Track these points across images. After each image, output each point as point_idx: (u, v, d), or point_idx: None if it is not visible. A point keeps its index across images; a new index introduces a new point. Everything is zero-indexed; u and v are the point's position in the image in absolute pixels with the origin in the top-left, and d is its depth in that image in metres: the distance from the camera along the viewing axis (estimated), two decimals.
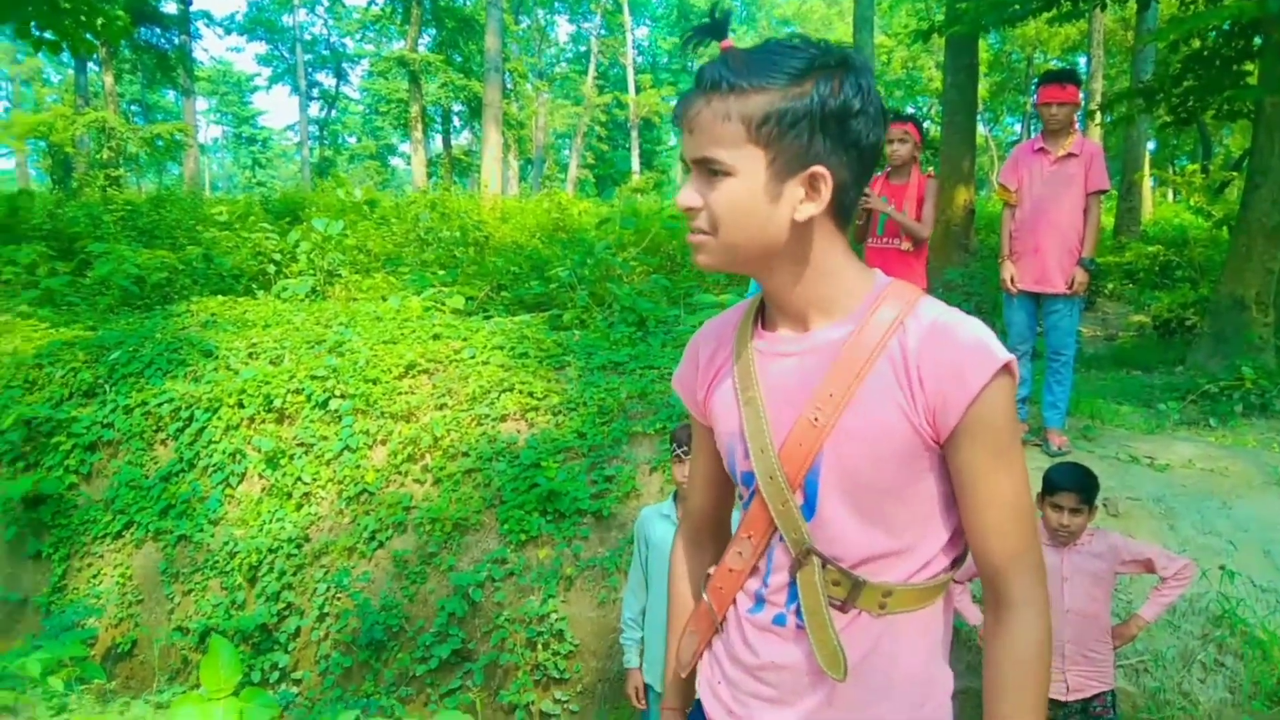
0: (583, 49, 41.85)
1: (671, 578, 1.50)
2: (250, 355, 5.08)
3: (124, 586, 4.51)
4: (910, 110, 12.98)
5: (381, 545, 4.18)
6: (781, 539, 1.23)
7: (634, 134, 36.37)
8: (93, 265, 7.13)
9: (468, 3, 29.88)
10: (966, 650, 3.31)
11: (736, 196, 1.13)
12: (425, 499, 4.25)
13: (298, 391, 4.74)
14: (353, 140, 46.07)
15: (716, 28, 1.19)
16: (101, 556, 4.59)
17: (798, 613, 1.22)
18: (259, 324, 5.56)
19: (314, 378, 4.77)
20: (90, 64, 28.06)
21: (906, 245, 4.34)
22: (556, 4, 40.70)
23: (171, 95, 40.50)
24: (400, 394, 4.71)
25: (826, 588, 1.20)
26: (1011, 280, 4.41)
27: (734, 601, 1.32)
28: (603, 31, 38.44)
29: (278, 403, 4.69)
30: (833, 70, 1.11)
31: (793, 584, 1.23)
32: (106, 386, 5.00)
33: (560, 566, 3.88)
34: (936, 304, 1.19)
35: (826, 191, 1.13)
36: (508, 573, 3.90)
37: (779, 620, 1.25)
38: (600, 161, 37.44)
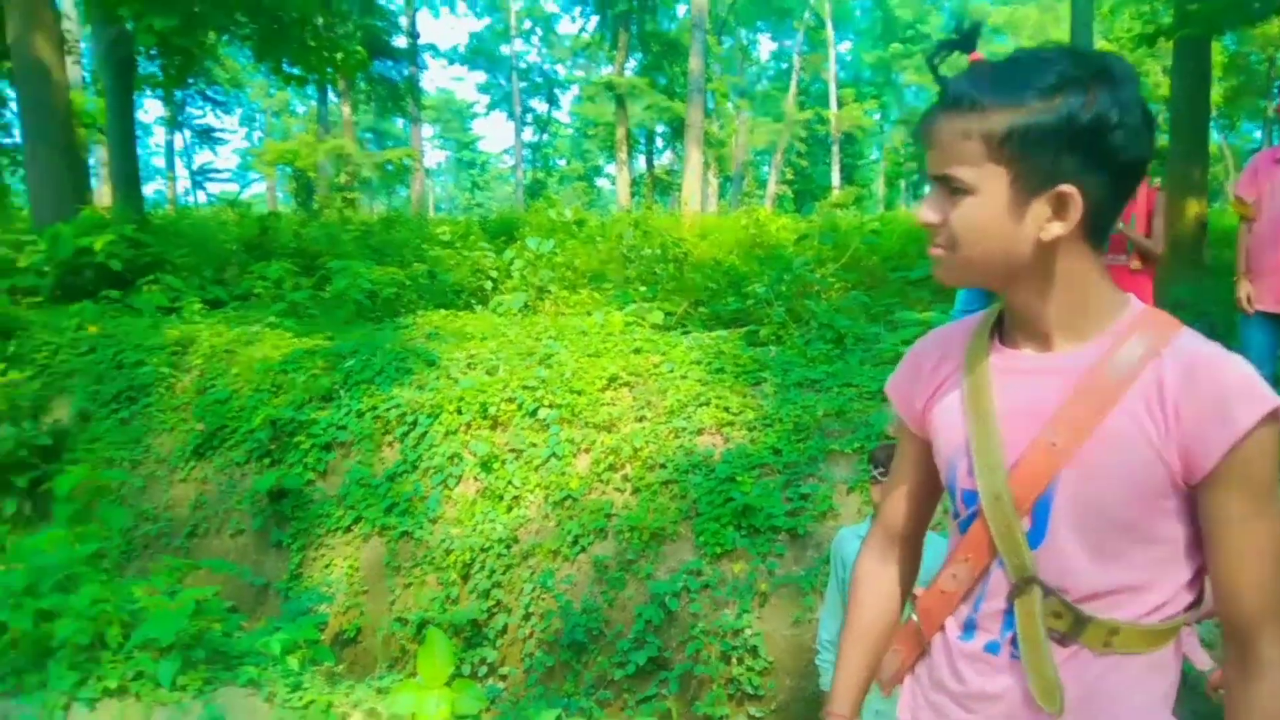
0: (784, 66, 41.73)
1: (854, 586, 1.46)
2: (469, 365, 5.42)
3: (352, 577, 4.91)
4: None
5: (584, 550, 4.35)
6: (1001, 564, 1.19)
7: (835, 149, 35.87)
8: (331, 280, 7.81)
9: (673, 26, 30.53)
10: (1192, 696, 3.07)
11: (976, 215, 1.11)
12: (625, 507, 4.39)
13: (510, 400, 5.01)
14: (562, 162, 48.00)
15: (965, 40, 1.18)
16: (333, 548, 5.03)
17: (1013, 642, 1.18)
18: (477, 336, 5.92)
19: (525, 388, 5.03)
20: (330, 96, 30.74)
21: (1135, 264, 4.10)
22: (759, 23, 40.85)
23: (401, 123, 43.70)
24: (603, 405, 4.89)
25: (1046, 619, 1.16)
26: (1248, 299, 4.06)
27: (942, 626, 1.28)
28: (805, 48, 38.19)
29: (492, 410, 4.98)
30: (1087, 83, 1.06)
31: (1009, 612, 1.19)
32: (341, 392, 5.47)
33: (755, 581, 3.90)
34: (1197, 337, 1.13)
35: (1075, 211, 1.08)
36: (703, 584, 3.97)
37: (991, 648, 1.21)
38: (800, 177, 37.17)
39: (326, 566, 5.03)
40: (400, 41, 32.41)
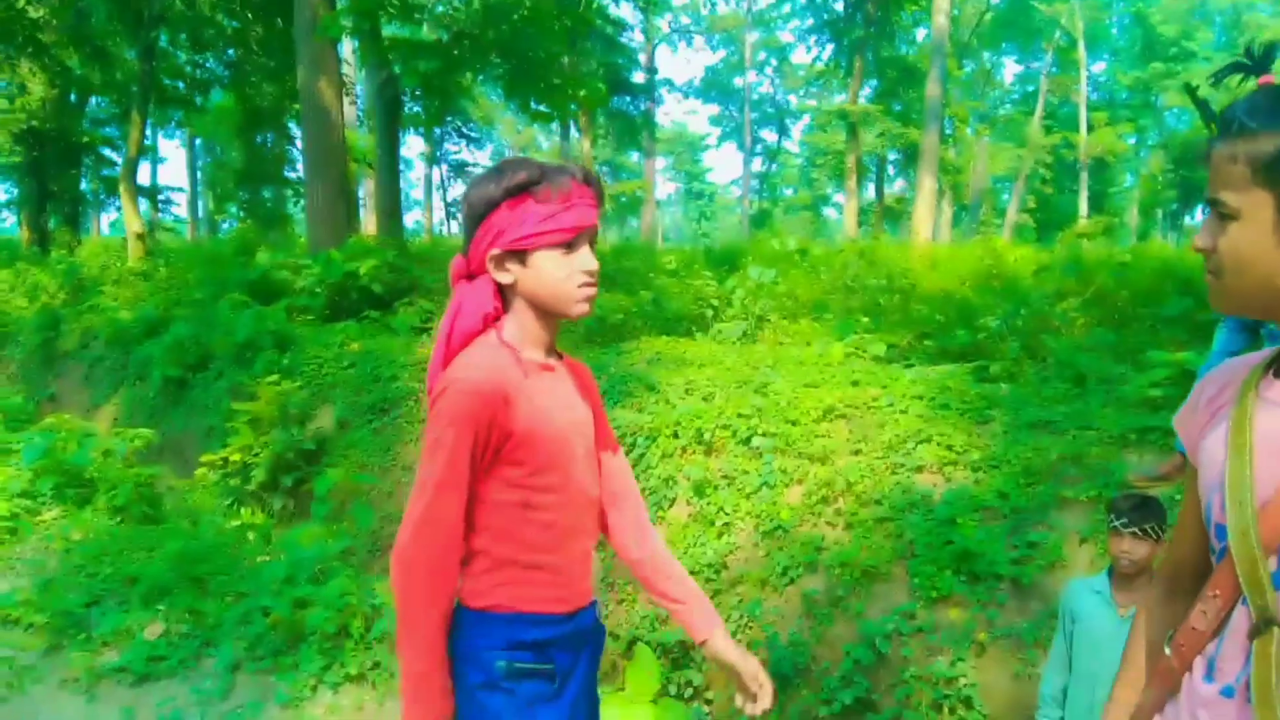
0: (1030, 88, 39.65)
1: (1134, 627, 1.44)
2: (686, 391, 5.53)
3: None
4: None
5: (792, 582, 4.31)
6: (1245, 603, 1.16)
7: (1083, 175, 33.63)
8: None
9: (912, 51, 29.83)
10: None
11: (1241, 242, 1.12)
12: (836, 542, 4.32)
13: (725, 427, 5.07)
14: (789, 192, 47.94)
15: (1257, 64, 1.16)
16: None
17: (1248, 685, 1.14)
18: (695, 363, 6.04)
19: (740, 415, 5.07)
20: (573, 131, 32.34)
21: None
22: (1005, 45, 39.10)
23: (635, 156, 45.36)
24: (817, 436, 4.84)
25: None
26: None
27: (1191, 666, 1.26)
28: (1054, 69, 36.17)
29: (707, 436, 5.05)
30: None
31: (1249, 656, 1.15)
32: None
33: (973, 630, 3.72)
34: None
35: None
36: (916, 628, 3.83)
37: (1227, 692, 1.18)
38: (1043, 205, 35.10)
39: None
40: (639, 77, 33.71)
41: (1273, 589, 1.12)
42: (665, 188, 60.60)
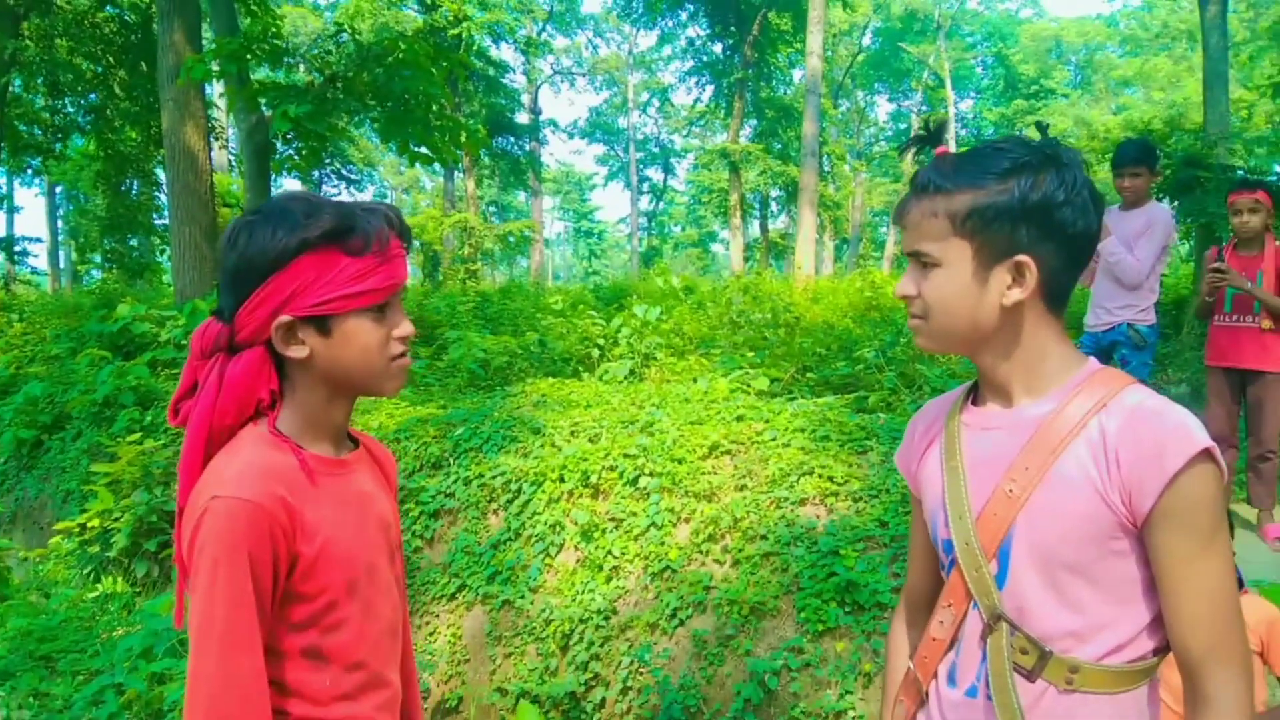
0: (903, 126, 41.41)
1: (887, 650, 1.59)
2: (572, 433, 5.45)
3: (454, 645, 4.94)
4: (1266, 176, 11.49)
5: (682, 623, 4.25)
6: (976, 606, 1.30)
7: None
8: (448, 350, 8.05)
9: (789, 91, 30.78)
10: None
11: (945, 285, 1.27)
12: (724, 580, 4.28)
13: (612, 468, 5.00)
14: (677, 229, 48.65)
15: (932, 137, 1.36)
16: (438, 615, 5.07)
17: (987, 683, 1.27)
18: (581, 404, 5.96)
19: (626, 456, 5.01)
20: (457, 172, 32.15)
21: (1266, 323, 3.82)
22: (877, 85, 40.76)
23: (523, 196, 45.32)
24: (703, 474, 4.82)
25: (1014, 654, 1.25)
26: None
27: (935, 674, 1.39)
28: (924, 107, 37.87)
29: (594, 479, 4.97)
30: (1037, 167, 1.23)
31: (984, 655, 1.28)
32: (451, 459, 5.58)
33: (859, 661, 3.73)
34: (1144, 390, 1.24)
35: (1032, 278, 1.24)
36: (804, 663, 3.81)
37: (971, 693, 1.31)
38: None
39: (431, 634, 5.07)
40: (523, 118, 33.81)
41: (996, 589, 1.26)
42: (554, 227, 60.70)
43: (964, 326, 1.28)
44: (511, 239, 35.74)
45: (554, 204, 56.36)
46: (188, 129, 10.57)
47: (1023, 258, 1.23)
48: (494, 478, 5.29)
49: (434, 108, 9.75)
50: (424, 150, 10.58)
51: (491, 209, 45.50)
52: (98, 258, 24.06)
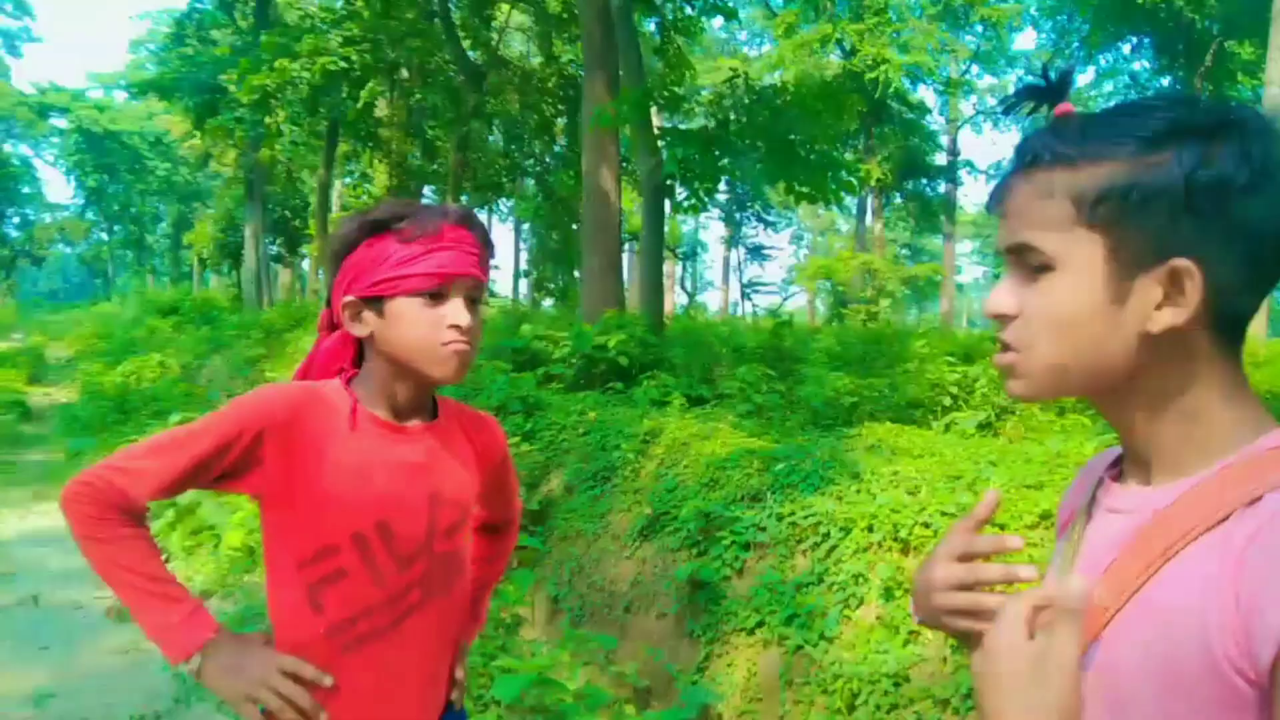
0: None
1: None
2: (891, 483, 5.16)
3: (749, 681, 4.88)
4: None
5: (974, 708, 3.83)
6: None
7: None
8: (803, 385, 8.05)
9: None
10: None
11: (1062, 297, 0.88)
12: None
13: (925, 525, 4.66)
14: None
15: (1052, 89, 0.94)
16: (736, 648, 5.05)
17: None
18: (910, 453, 5.63)
19: (943, 514, 4.64)
20: (868, 215, 32.08)
21: None
22: None
23: (941, 239, 43.96)
24: (1029, 545, 4.31)
25: None
26: None
27: None
28: None
29: (903, 533, 4.67)
30: (1208, 133, 0.83)
31: None
32: (768, 493, 5.55)
33: None
34: None
35: (1194, 293, 0.84)
36: None
37: None
38: None
39: (729, 665, 5.06)
40: (941, 159, 32.83)
41: None
42: (971, 271, 57.95)
43: (1086, 362, 0.89)
44: (920, 282, 34.80)
45: (973, 248, 53.88)
46: (603, 171, 11.72)
47: (1182, 262, 0.83)
48: (805, 517, 5.17)
49: (816, 149, 9.82)
50: (805, 190, 10.74)
51: (904, 251, 44.68)
52: (550, 285, 27.51)
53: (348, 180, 23.54)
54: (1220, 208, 0.82)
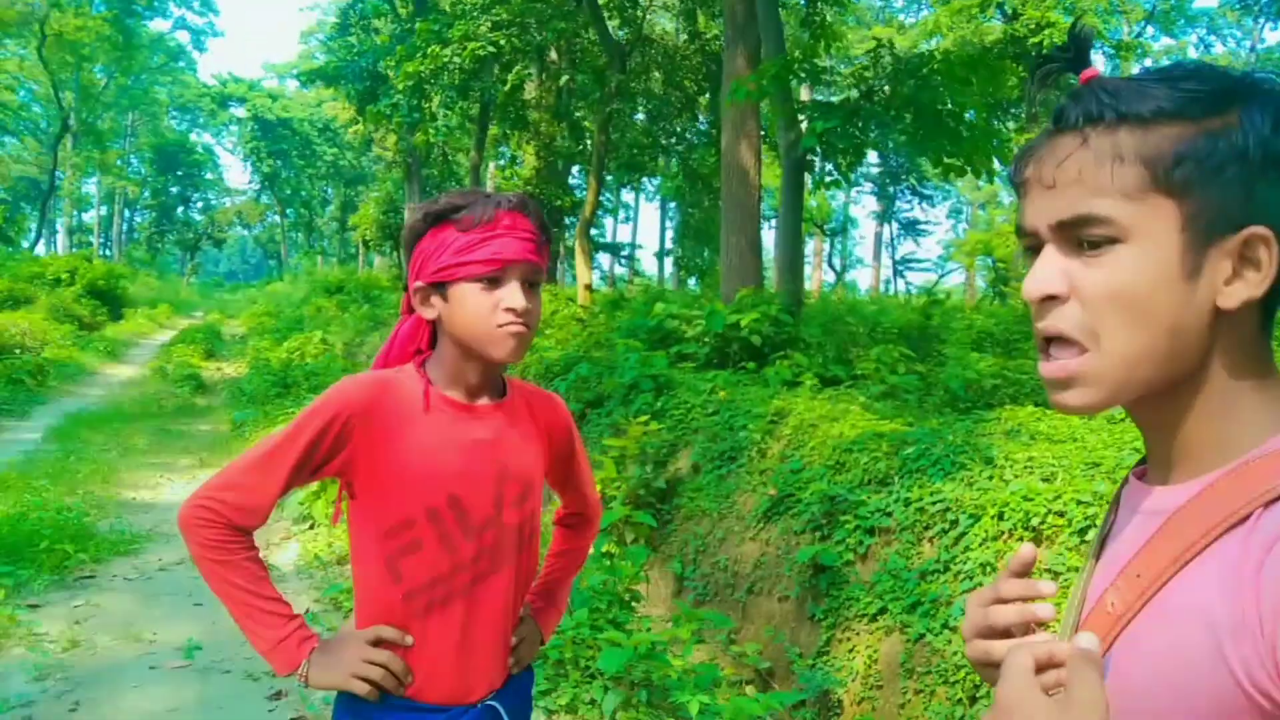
0: None
1: None
2: (1025, 469, 4.91)
3: (869, 669, 4.77)
4: None
5: None
6: None
7: None
8: (944, 367, 7.75)
9: None
10: None
11: (1132, 272, 0.78)
12: None
13: (1059, 514, 4.41)
14: None
15: (1074, 57, 0.86)
16: (857, 634, 4.94)
17: None
18: (1051, 438, 5.34)
19: (1079, 502, 4.38)
20: None
21: None
22: None
23: None
24: None
25: None
26: None
27: None
28: None
29: (1035, 522, 4.43)
30: (1265, 96, 0.77)
31: None
32: (896, 478, 5.38)
33: None
34: None
35: (1271, 264, 0.77)
36: None
37: None
38: None
39: (850, 651, 4.96)
40: None
41: None
42: None
43: (1162, 348, 0.78)
44: None
45: None
46: (742, 147, 11.58)
47: (1261, 230, 0.76)
48: (933, 503, 4.98)
49: (963, 119, 9.39)
50: (955, 162, 10.28)
51: None
52: (695, 261, 27.53)
53: (501, 163, 24.20)
54: None
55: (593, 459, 7.91)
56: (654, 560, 6.94)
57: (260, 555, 1.61)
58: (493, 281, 1.54)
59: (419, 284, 1.60)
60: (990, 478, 4.96)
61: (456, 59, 15.20)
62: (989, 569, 4.49)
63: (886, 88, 10.03)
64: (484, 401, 1.66)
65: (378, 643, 1.56)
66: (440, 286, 1.57)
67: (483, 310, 1.55)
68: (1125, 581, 0.81)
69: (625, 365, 8.65)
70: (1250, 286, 0.77)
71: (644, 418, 7.68)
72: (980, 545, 4.60)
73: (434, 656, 1.59)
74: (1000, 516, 4.60)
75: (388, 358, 1.70)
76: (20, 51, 38.29)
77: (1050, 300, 0.81)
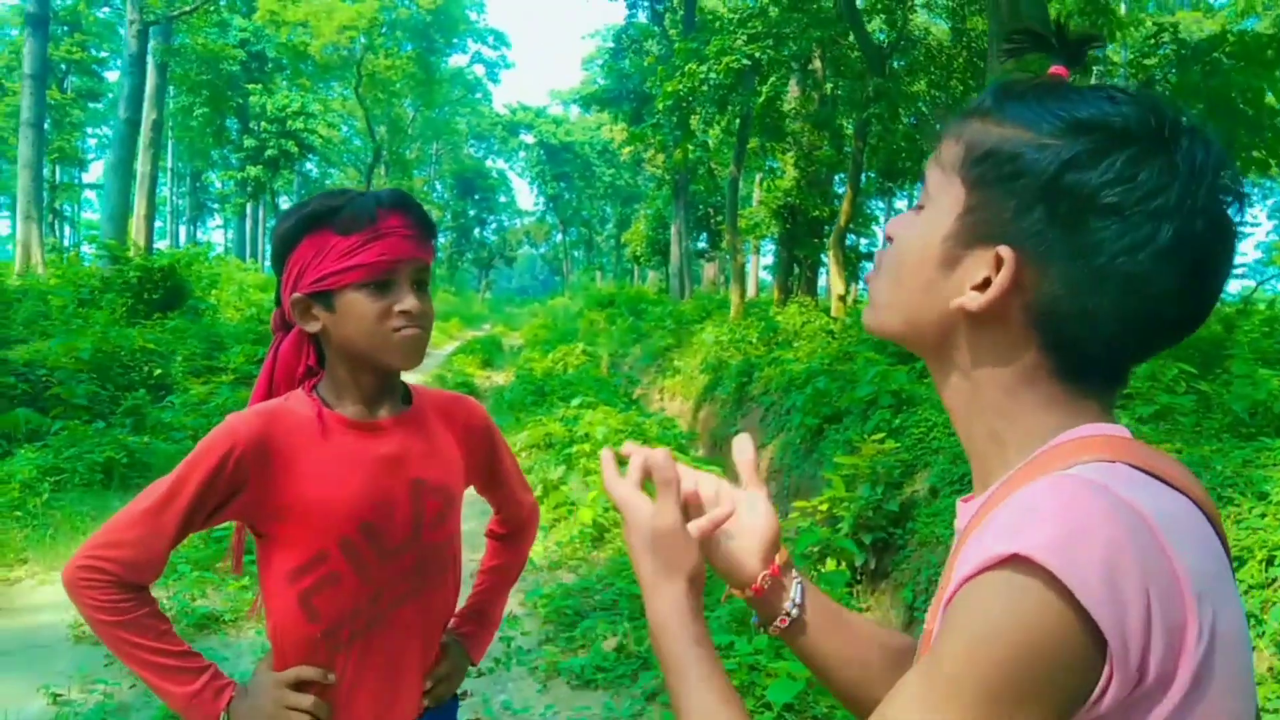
0: None
1: None
2: None
3: None
4: None
5: None
6: None
7: None
8: (1231, 386, 6.81)
9: None
10: None
11: (914, 236, 0.87)
12: None
13: None
14: None
15: (1070, 50, 0.88)
16: None
17: None
18: None
19: None
20: None
21: None
22: None
23: None
24: None
25: None
26: None
27: None
28: None
29: None
30: (1119, 138, 0.75)
31: None
32: None
33: None
34: (1090, 470, 0.72)
35: (1000, 286, 0.79)
36: None
37: None
38: None
39: None
40: None
41: None
42: None
43: (903, 308, 0.87)
44: None
45: None
46: None
47: (1005, 250, 0.78)
48: None
49: (1265, 110, 8.25)
50: (1257, 155, 9.06)
51: None
52: None
53: (760, 175, 24.27)
54: (1072, 212, 0.76)
55: (820, 477, 7.72)
56: (886, 587, 6.66)
57: (160, 609, 1.50)
58: (381, 286, 1.44)
59: (298, 295, 1.47)
60: (1263, 515, 4.30)
61: (713, 75, 15.41)
62: (1254, 621, 3.88)
63: (1171, 76, 9.03)
64: (385, 415, 1.55)
65: (299, 685, 1.48)
66: (323, 296, 1.46)
67: (372, 316, 1.45)
68: (935, 601, 0.83)
69: (864, 379, 8.34)
70: (976, 300, 0.80)
71: (880, 435, 7.37)
72: (1245, 593, 3.99)
73: (358, 690, 1.52)
74: (1270, 561, 3.98)
75: (270, 385, 1.57)
76: (344, 92, 43.52)
77: (887, 239, 0.93)
